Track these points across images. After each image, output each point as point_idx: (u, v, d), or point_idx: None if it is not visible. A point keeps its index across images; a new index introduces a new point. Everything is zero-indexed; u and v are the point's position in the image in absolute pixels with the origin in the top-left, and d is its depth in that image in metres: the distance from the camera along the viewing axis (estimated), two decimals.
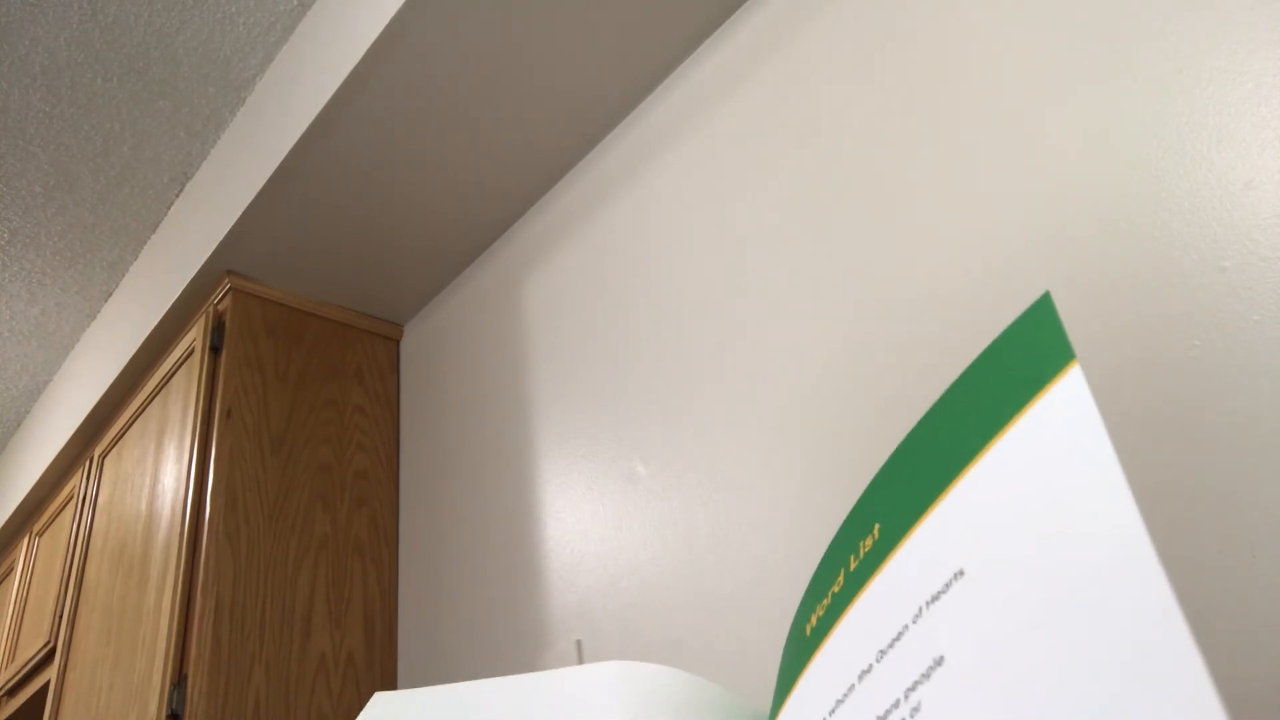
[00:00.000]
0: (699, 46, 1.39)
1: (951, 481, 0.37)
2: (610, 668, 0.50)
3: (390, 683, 1.55)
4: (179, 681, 1.38)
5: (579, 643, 1.24)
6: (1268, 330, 0.74)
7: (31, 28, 1.63)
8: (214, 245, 1.64)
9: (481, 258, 1.72)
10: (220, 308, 1.69)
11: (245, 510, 1.52)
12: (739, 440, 1.13)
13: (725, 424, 1.16)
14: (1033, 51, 0.97)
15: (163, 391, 1.77)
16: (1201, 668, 0.24)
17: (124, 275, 2.11)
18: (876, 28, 1.14)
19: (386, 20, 1.30)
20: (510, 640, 1.35)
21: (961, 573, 0.33)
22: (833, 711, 0.36)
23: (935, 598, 0.34)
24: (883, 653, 0.35)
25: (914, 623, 0.34)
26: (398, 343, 1.87)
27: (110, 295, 2.16)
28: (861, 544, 0.42)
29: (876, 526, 0.41)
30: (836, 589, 0.42)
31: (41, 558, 2.13)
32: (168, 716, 1.35)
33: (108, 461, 1.94)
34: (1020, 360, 0.37)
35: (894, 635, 0.35)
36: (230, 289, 1.68)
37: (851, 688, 0.36)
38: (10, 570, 2.35)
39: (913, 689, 0.32)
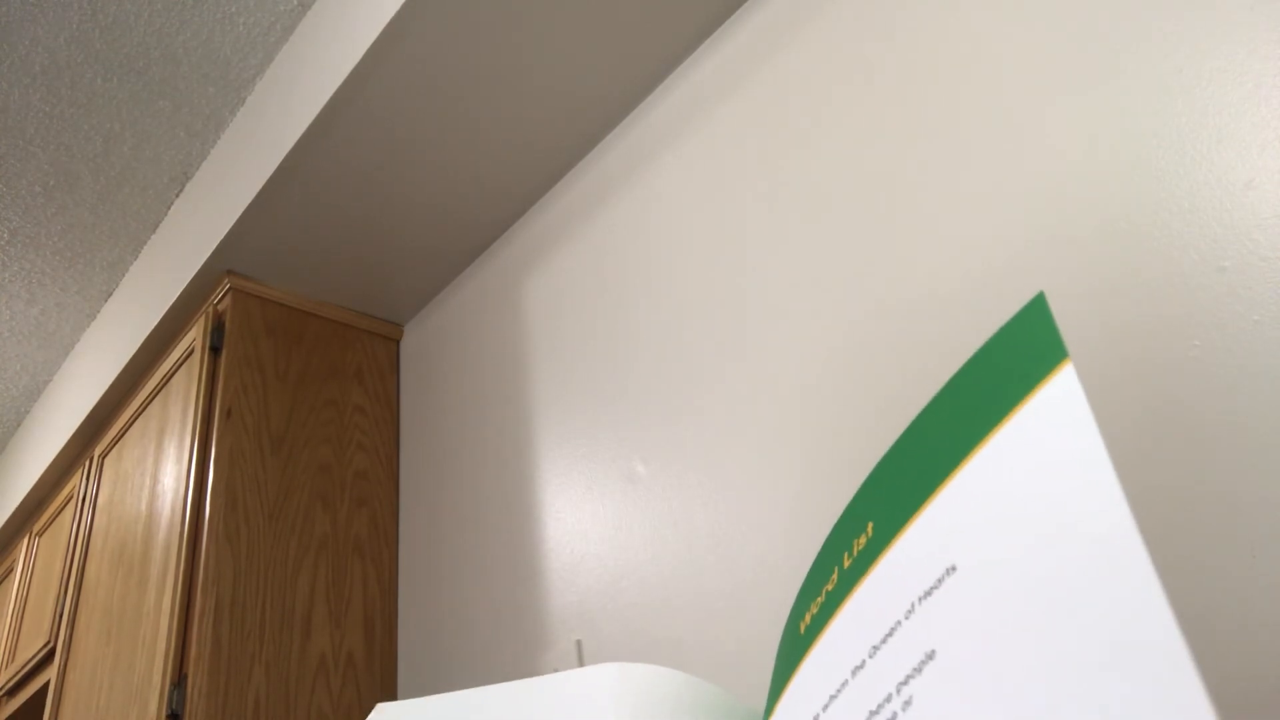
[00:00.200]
0: (699, 46, 1.40)
1: (945, 479, 0.37)
2: (608, 670, 0.50)
3: (390, 682, 1.55)
4: (179, 681, 1.38)
5: (579, 643, 1.24)
6: (1268, 330, 0.74)
7: (31, 28, 1.63)
8: (214, 245, 1.64)
9: (481, 258, 1.72)
10: (220, 308, 1.69)
11: (245, 510, 1.52)
12: (739, 440, 1.13)
13: (725, 424, 1.16)
14: (1033, 51, 0.97)
15: (163, 391, 1.77)
16: (1189, 662, 0.24)
17: (124, 275, 2.12)
18: (876, 28, 1.15)
19: (386, 20, 1.30)
20: (510, 640, 1.35)
21: (953, 568, 0.34)
22: (826, 707, 0.37)
23: (927, 593, 0.34)
24: (875, 648, 0.36)
25: (906, 618, 0.35)
26: (398, 343, 1.87)
27: (110, 295, 2.16)
28: (855, 542, 0.42)
29: (870, 524, 0.41)
30: (830, 587, 0.42)
31: (41, 558, 2.13)
32: (168, 716, 1.35)
33: (108, 461, 1.94)
34: (1013, 359, 0.37)
35: (887, 631, 0.35)
36: (230, 289, 1.68)
37: (845, 683, 0.36)
38: (10, 570, 2.36)
39: (905, 683, 0.33)
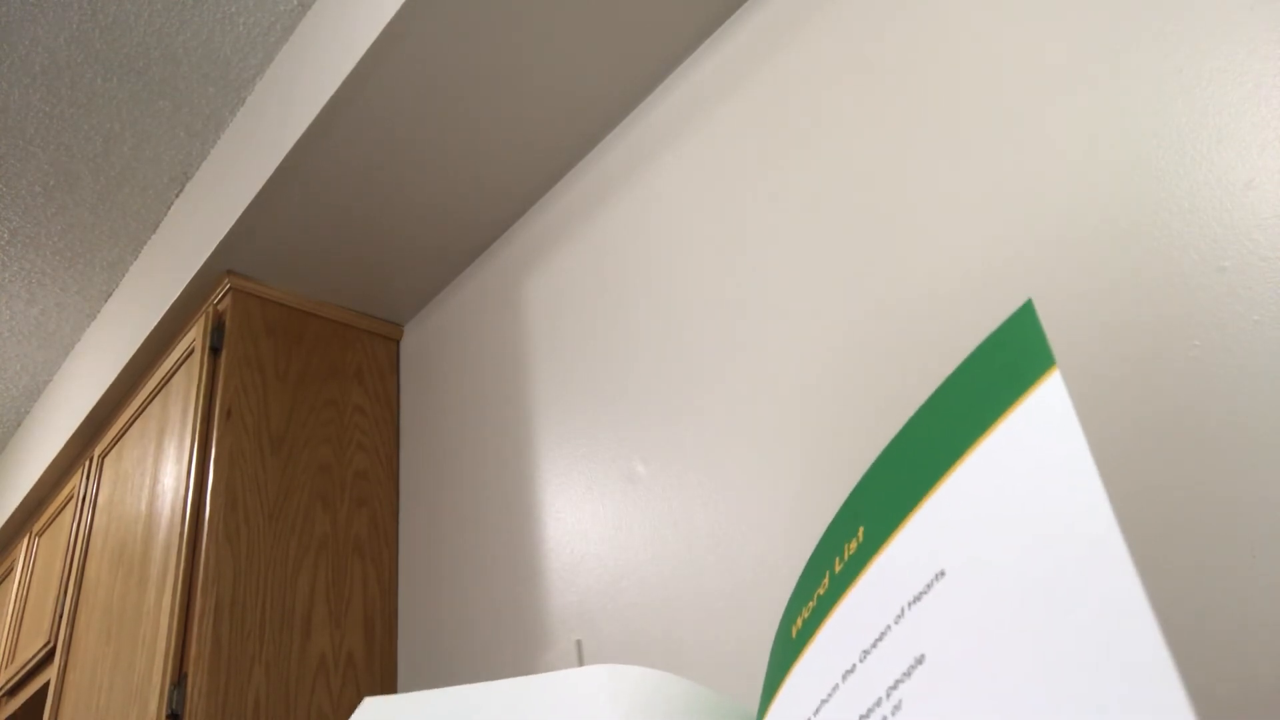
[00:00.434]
0: (699, 46, 1.39)
1: (934, 484, 0.38)
2: (600, 671, 0.50)
3: (390, 683, 1.55)
4: (179, 681, 1.38)
5: (579, 643, 1.24)
6: (1268, 330, 0.74)
7: (31, 28, 1.63)
8: (214, 245, 1.64)
9: (481, 258, 1.72)
10: (220, 308, 1.69)
11: (245, 510, 1.52)
12: (739, 440, 1.13)
13: (725, 424, 1.16)
14: (1033, 51, 0.97)
15: (163, 391, 1.77)
16: (1170, 665, 0.25)
17: (124, 275, 2.12)
18: (876, 28, 1.15)
19: (386, 20, 1.30)
20: (510, 640, 1.35)
21: (942, 573, 0.34)
22: (817, 711, 0.37)
23: (917, 598, 0.34)
24: (866, 653, 0.36)
25: (896, 623, 0.35)
26: (398, 343, 1.87)
27: (110, 295, 2.16)
28: (846, 547, 0.42)
29: (861, 529, 0.42)
30: (822, 591, 0.43)
31: (41, 558, 2.13)
32: (168, 716, 1.35)
33: (108, 461, 1.94)
34: (1001, 366, 0.37)
35: (877, 635, 0.36)
36: (230, 289, 1.68)
37: (835, 688, 0.36)
38: (10, 570, 2.36)
39: (894, 688, 0.33)
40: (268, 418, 1.62)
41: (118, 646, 1.58)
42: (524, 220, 1.64)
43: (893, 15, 1.13)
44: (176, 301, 1.73)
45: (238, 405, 1.60)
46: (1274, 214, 0.76)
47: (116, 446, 1.92)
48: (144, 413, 1.83)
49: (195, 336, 1.68)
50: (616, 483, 1.27)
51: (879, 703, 0.33)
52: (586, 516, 1.30)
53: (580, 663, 1.23)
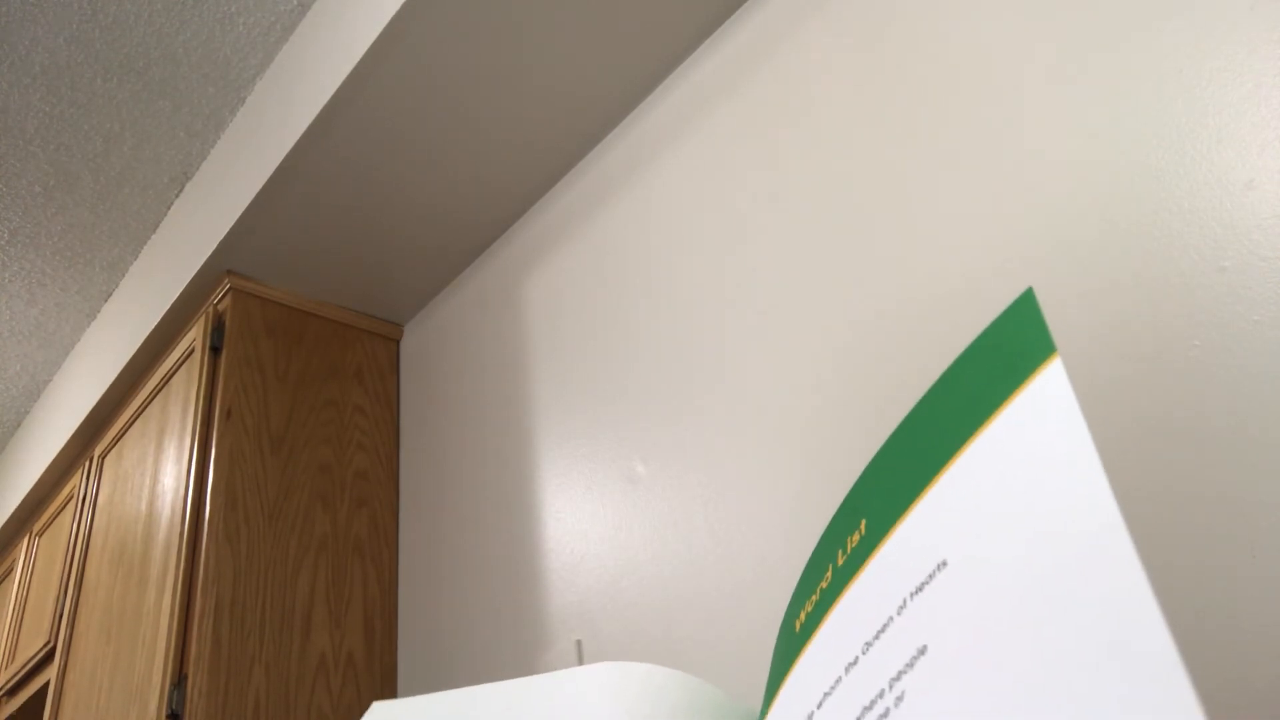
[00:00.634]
0: (699, 46, 1.40)
1: (936, 475, 0.37)
2: (606, 669, 0.50)
3: (390, 682, 1.55)
4: (179, 681, 1.38)
5: (579, 643, 1.24)
6: (1268, 330, 0.74)
7: (31, 28, 1.63)
8: (214, 245, 1.64)
9: (481, 258, 1.72)
10: (220, 308, 1.69)
11: (245, 510, 1.52)
12: (739, 440, 1.13)
13: (725, 424, 1.16)
14: (1033, 51, 0.97)
15: (163, 391, 1.77)
16: (1175, 655, 0.24)
17: (124, 275, 2.12)
18: (876, 28, 1.15)
19: (386, 20, 1.30)
20: (510, 640, 1.35)
21: (944, 563, 0.34)
22: (820, 704, 0.37)
23: (919, 589, 0.34)
24: (868, 644, 0.36)
25: (898, 614, 0.35)
26: (398, 343, 1.87)
27: (110, 295, 2.16)
28: (849, 539, 0.42)
29: (863, 522, 0.42)
30: (824, 584, 0.43)
31: (41, 558, 2.13)
32: (168, 716, 1.35)
33: (108, 461, 1.94)
34: (1002, 355, 0.37)
35: (879, 627, 0.36)
36: (230, 289, 1.68)
37: (839, 680, 0.36)
38: (10, 570, 2.36)
39: (897, 679, 0.33)
40: (268, 418, 1.62)
41: (118, 646, 1.58)
42: (524, 220, 1.64)
43: (893, 15, 1.13)
44: (176, 301, 1.73)
45: (238, 405, 1.60)
46: (1274, 214, 0.76)
47: (116, 446, 1.92)
48: (144, 413, 1.83)
49: (195, 336, 1.68)
50: (616, 483, 1.27)
51: (882, 694, 0.33)
52: (586, 516, 1.30)
53: (580, 662, 1.23)
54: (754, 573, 1.06)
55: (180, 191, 1.93)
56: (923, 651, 0.32)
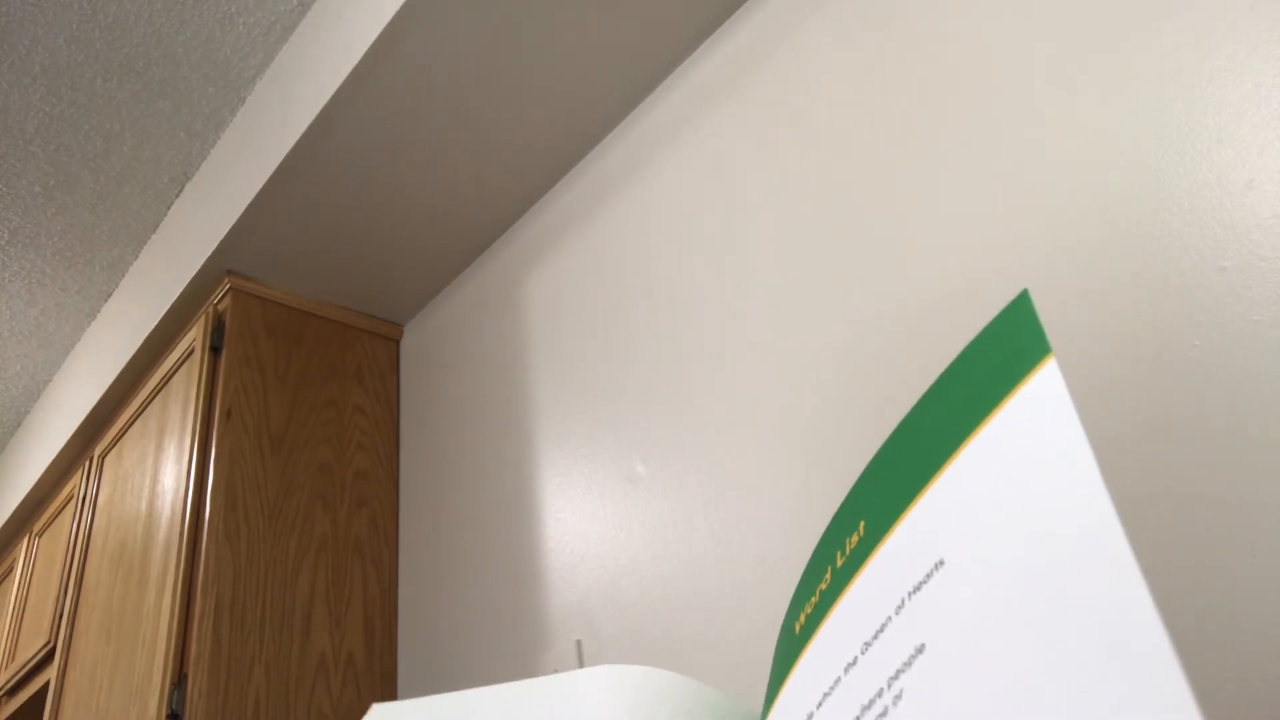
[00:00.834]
0: (699, 46, 1.40)
1: (933, 475, 0.38)
2: (605, 671, 0.50)
3: (390, 682, 1.55)
4: (179, 681, 1.38)
5: (579, 643, 1.24)
6: (1268, 330, 0.74)
7: (31, 28, 1.63)
8: (214, 245, 1.64)
9: (481, 258, 1.72)
10: (220, 308, 1.69)
11: (245, 510, 1.52)
12: (739, 440, 1.13)
13: (725, 424, 1.16)
14: (1033, 51, 0.97)
15: (163, 391, 1.77)
16: (1171, 652, 0.25)
17: (124, 275, 2.12)
18: (876, 29, 1.15)
19: (386, 20, 1.30)
20: (510, 640, 1.35)
21: (942, 562, 0.34)
22: (820, 704, 0.37)
23: (917, 588, 0.35)
24: (867, 644, 0.36)
25: (897, 614, 0.35)
26: (398, 343, 1.87)
27: (110, 295, 2.16)
28: (848, 541, 0.42)
29: (861, 523, 0.42)
30: (824, 586, 0.43)
31: (41, 558, 2.13)
32: (168, 716, 1.35)
33: (108, 461, 1.94)
34: (998, 356, 0.37)
35: (878, 627, 0.36)
36: (230, 289, 1.68)
37: (838, 680, 0.37)
38: (10, 570, 2.36)
39: (895, 677, 0.33)
40: (268, 418, 1.62)
41: (118, 646, 1.58)
42: (524, 220, 1.64)
43: (893, 15, 1.13)
44: (176, 301, 1.73)
45: (238, 405, 1.60)
46: (1274, 214, 0.76)
47: (116, 446, 1.92)
48: (144, 413, 1.83)
49: (195, 336, 1.68)
50: (616, 483, 1.27)
51: (880, 693, 0.33)
52: (586, 516, 1.30)
53: (580, 662, 1.23)
54: (754, 573, 1.06)
55: (180, 191, 1.93)
56: (921, 650, 0.32)
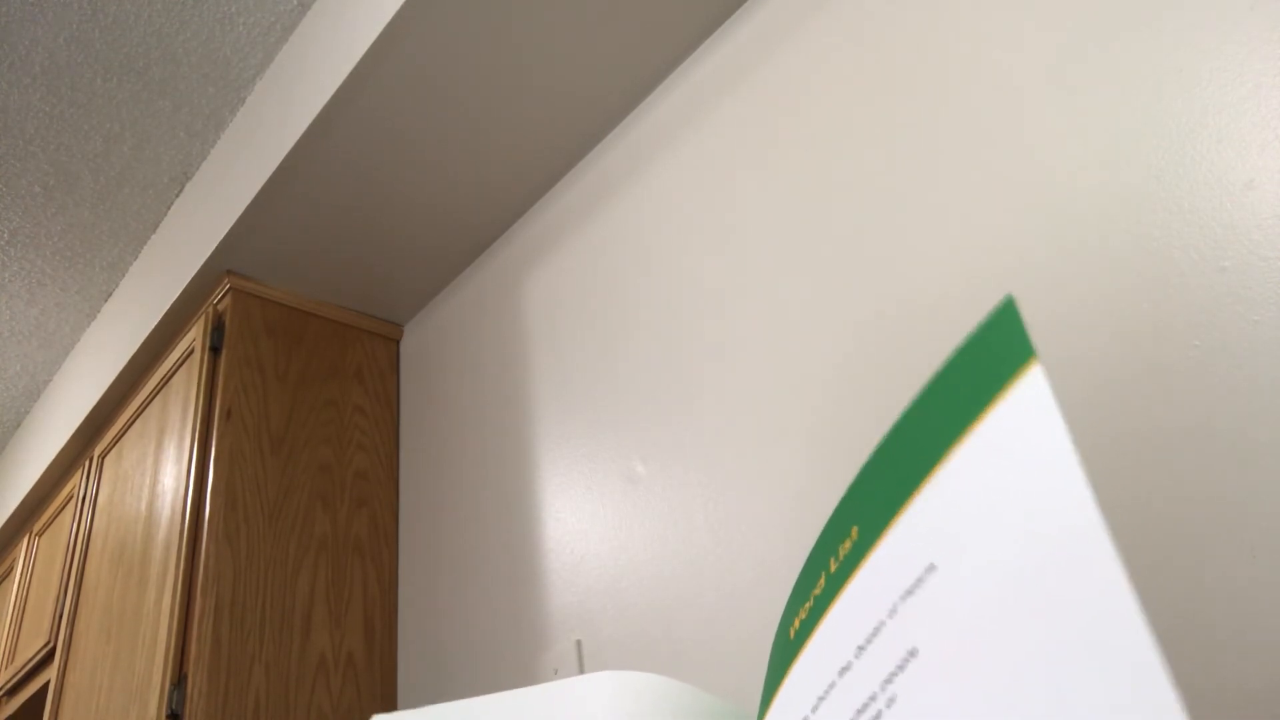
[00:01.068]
0: (699, 46, 1.40)
1: (923, 481, 0.38)
2: (604, 678, 0.50)
3: (390, 682, 1.55)
4: (179, 681, 1.38)
5: (579, 643, 1.24)
6: (1267, 330, 0.74)
7: (31, 28, 1.63)
8: (214, 245, 1.64)
9: (481, 258, 1.72)
10: (220, 308, 1.69)
11: (245, 510, 1.52)
12: (739, 440, 1.13)
13: (725, 423, 1.16)
14: (1032, 51, 0.97)
15: (163, 391, 1.77)
16: (1155, 655, 0.25)
17: (124, 275, 2.12)
18: (876, 28, 1.15)
19: (386, 20, 1.30)
20: (510, 640, 1.35)
21: (933, 567, 0.34)
22: (815, 709, 0.37)
23: (909, 592, 0.35)
24: (861, 649, 0.36)
25: (889, 618, 0.35)
26: (398, 343, 1.87)
27: (110, 295, 2.16)
28: (840, 547, 0.43)
29: (854, 529, 0.42)
30: (818, 592, 0.43)
31: (41, 558, 2.13)
32: (168, 716, 1.35)
33: (108, 461, 1.94)
34: (984, 362, 0.38)
35: (871, 631, 0.36)
36: (230, 289, 1.68)
37: (832, 685, 0.37)
38: (10, 570, 2.36)
39: (889, 681, 0.33)
40: (268, 418, 1.62)
41: (118, 646, 1.58)
42: (524, 220, 1.64)
43: (892, 15, 1.13)
44: (176, 301, 1.73)
45: (238, 405, 1.60)
46: (1274, 214, 0.76)
47: (116, 446, 1.92)
48: (144, 413, 1.83)
49: (195, 336, 1.68)
50: (616, 483, 1.27)
51: (874, 697, 0.34)
52: (586, 516, 1.31)
53: (580, 662, 1.23)
54: (754, 573, 1.06)
55: (180, 191, 1.93)
56: (913, 654, 0.33)
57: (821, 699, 0.37)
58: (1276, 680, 0.66)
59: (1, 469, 2.61)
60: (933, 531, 0.36)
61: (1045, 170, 0.92)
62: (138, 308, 1.94)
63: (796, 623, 0.44)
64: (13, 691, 2.05)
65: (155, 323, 1.79)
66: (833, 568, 0.43)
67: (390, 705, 1.52)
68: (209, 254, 1.65)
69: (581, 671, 1.22)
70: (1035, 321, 0.89)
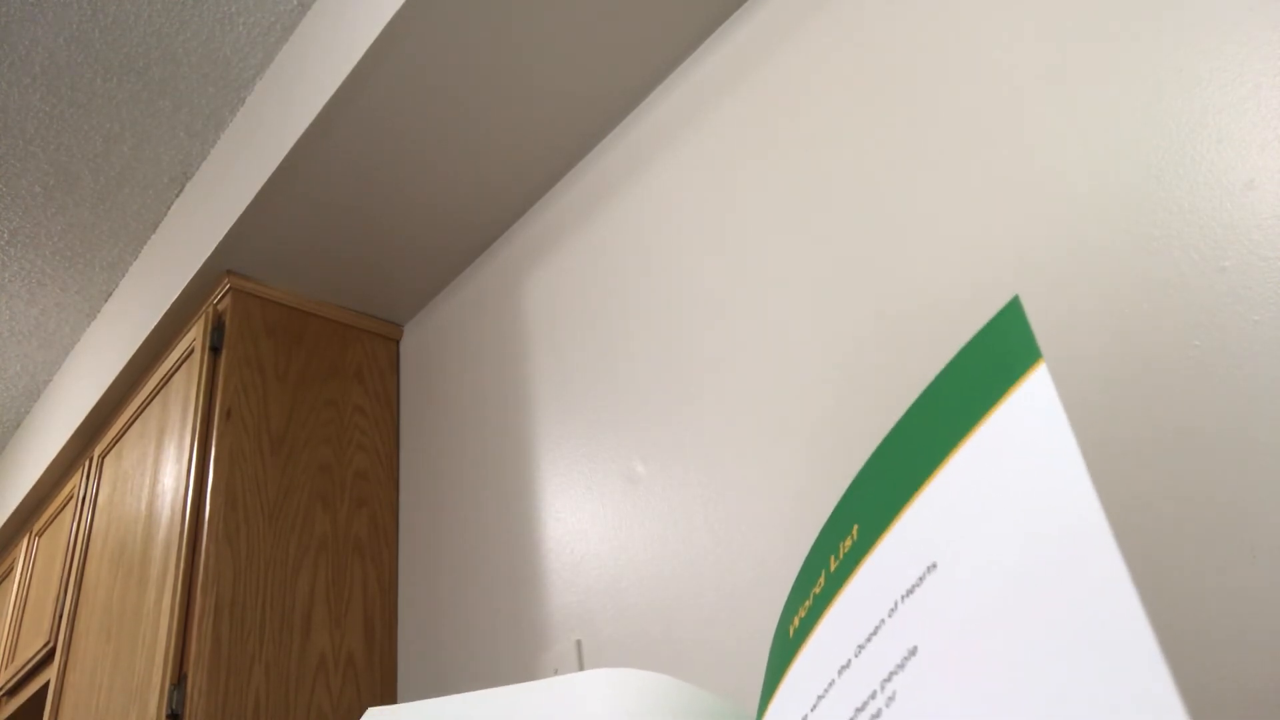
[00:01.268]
0: (699, 46, 1.40)
1: (925, 480, 0.38)
2: (602, 675, 0.50)
3: (390, 683, 1.55)
4: (179, 681, 1.38)
5: (579, 643, 1.24)
6: (1267, 330, 0.74)
7: (31, 28, 1.63)
8: (214, 245, 1.64)
9: (481, 258, 1.72)
10: (220, 308, 1.69)
11: (245, 510, 1.52)
12: (739, 440, 1.13)
13: (725, 424, 1.16)
14: (1032, 51, 0.97)
15: (163, 391, 1.77)
16: (1158, 655, 0.25)
17: (124, 275, 2.12)
18: (876, 29, 1.15)
19: (386, 20, 1.30)
20: (510, 640, 1.35)
21: (934, 566, 0.34)
22: (814, 708, 0.37)
23: (909, 591, 0.35)
24: (861, 647, 0.36)
25: (890, 617, 0.35)
26: (398, 343, 1.87)
27: (110, 295, 2.16)
28: (841, 545, 0.43)
29: (855, 527, 0.42)
30: (818, 590, 0.43)
31: (41, 558, 2.13)
32: (168, 716, 1.35)
33: (108, 461, 1.94)
34: (989, 362, 0.38)
35: (871, 630, 0.36)
36: (230, 289, 1.68)
37: (832, 683, 0.37)
38: (10, 570, 2.36)
39: (888, 679, 0.33)
40: (268, 418, 1.62)
41: (118, 646, 1.58)
42: (524, 220, 1.64)
43: (892, 16, 1.13)
44: (176, 301, 1.73)
45: (238, 405, 1.60)
46: (1274, 214, 0.76)
47: (116, 446, 1.92)
48: (144, 413, 1.83)
49: (195, 336, 1.68)
50: (616, 483, 1.27)
51: (874, 695, 0.34)
52: (586, 516, 1.31)
53: (580, 663, 1.23)
54: (754, 573, 1.06)
55: (180, 191, 1.93)
56: (913, 653, 0.33)
57: (821, 697, 0.37)
58: (1277, 680, 0.66)
59: (1, 469, 2.61)
60: (935, 530, 0.36)
61: (1045, 171, 0.92)
62: (138, 308, 1.94)
63: (796, 621, 0.44)
64: (13, 691, 2.05)
65: (155, 323, 1.79)
66: (833, 566, 0.43)
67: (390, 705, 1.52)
68: (209, 254, 1.65)
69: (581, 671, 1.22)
70: (1035, 321, 0.89)
